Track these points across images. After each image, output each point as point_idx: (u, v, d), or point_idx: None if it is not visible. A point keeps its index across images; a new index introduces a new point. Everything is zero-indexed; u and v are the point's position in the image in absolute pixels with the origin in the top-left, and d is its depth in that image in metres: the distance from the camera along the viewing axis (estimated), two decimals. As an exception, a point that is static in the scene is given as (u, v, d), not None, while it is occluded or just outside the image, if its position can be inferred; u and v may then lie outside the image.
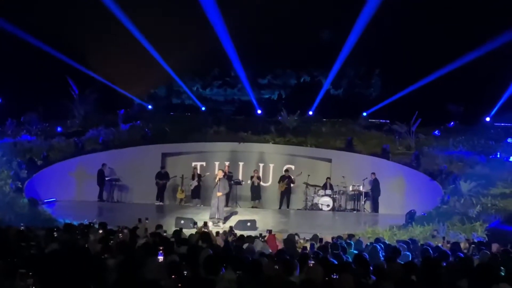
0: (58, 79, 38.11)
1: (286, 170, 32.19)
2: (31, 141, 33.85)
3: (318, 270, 9.87)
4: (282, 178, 31.87)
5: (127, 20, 35.00)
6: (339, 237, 19.07)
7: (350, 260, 12.20)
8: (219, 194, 26.08)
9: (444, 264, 12.32)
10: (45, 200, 28.97)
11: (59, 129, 36.28)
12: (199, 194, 31.78)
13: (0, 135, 34.18)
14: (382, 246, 15.38)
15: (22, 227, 16.89)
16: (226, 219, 26.60)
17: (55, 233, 16.00)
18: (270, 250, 15.84)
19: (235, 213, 28.96)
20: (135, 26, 35.58)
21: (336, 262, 11.25)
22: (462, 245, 17.79)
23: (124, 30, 35.66)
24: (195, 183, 31.69)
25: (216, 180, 26.49)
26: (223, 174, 27.49)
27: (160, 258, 10.51)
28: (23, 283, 8.01)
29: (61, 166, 31.64)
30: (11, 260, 9.13)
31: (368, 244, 16.69)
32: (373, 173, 30.75)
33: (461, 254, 14.13)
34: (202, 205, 30.52)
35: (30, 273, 8.19)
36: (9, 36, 34.33)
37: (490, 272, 9.44)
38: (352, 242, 16.88)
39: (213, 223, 25.02)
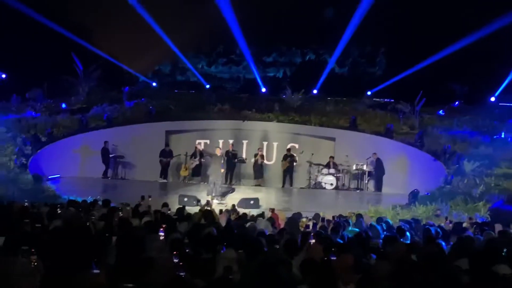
0: (63, 55, 38.05)
1: (289, 149, 32.18)
2: (36, 118, 33.83)
3: (318, 249, 9.92)
4: (284, 157, 31.87)
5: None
6: (341, 216, 19.14)
7: (351, 238, 12.26)
8: (222, 170, 26.46)
9: (445, 244, 12.38)
10: (49, 177, 29.02)
11: (63, 105, 36.26)
12: (200, 172, 31.81)
13: (5, 111, 34.14)
14: (384, 225, 15.46)
15: (26, 203, 16.97)
16: (229, 197, 26.71)
17: (58, 209, 16.09)
18: (272, 229, 15.91)
19: (239, 191, 29.02)
20: (140, 2, 35.47)
21: (339, 242, 11.33)
22: (464, 225, 17.83)
23: (129, 7, 35.60)
24: (196, 161, 31.68)
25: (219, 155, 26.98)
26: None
27: (161, 235, 10.57)
28: (26, 260, 8.07)
29: (65, 142, 31.65)
30: (14, 236, 9.18)
31: (373, 223, 16.74)
32: (375, 153, 30.76)
33: (463, 234, 14.16)
34: (206, 183, 30.44)
35: (33, 250, 8.24)
36: (14, 13, 34.28)
37: (491, 252, 9.48)
38: (350, 221, 16.97)
39: (212, 199, 25.12)
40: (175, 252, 8.88)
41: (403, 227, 14.94)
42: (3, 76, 37.68)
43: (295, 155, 31.90)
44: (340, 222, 15.80)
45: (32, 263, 8.10)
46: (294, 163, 31.91)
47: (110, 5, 42.46)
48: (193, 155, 31.75)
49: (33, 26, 36.29)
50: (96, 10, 44.57)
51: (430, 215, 22.32)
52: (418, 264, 9.29)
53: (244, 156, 32.73)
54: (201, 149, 32.09)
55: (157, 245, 9.78)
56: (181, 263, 8.17)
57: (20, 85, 36.70)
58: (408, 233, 14.18)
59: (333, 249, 9.79)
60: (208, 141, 33.18)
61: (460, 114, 35.03)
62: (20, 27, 38.50)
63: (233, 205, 22.19)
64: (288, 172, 31.81)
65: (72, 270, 7.58)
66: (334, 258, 9.17)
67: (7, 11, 34.61)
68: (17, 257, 8.09)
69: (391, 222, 17.44)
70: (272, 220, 17.45)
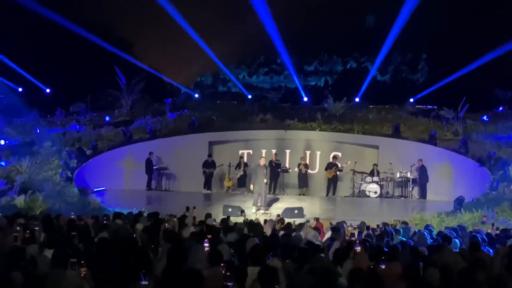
0: (106, 69, 38.50)
1: (334, 157, 32.03)
2: (80, 131, 34.20)
3: (364, 257, 9.89)
4: (329, 165, 31.71)
5: (172, 9, 35.13)
6: (386, 224, 19.04)
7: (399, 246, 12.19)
8: (265, 181, 26.36)
9: (492, 250, 12.27)
10: (94, 189, 29.30)
11: (107, 118, 36.66)
12: (245, 182, 31.73)
13: (50, 125, 34.61)
14: (428, 233, 15.34)
15: (72, 216, 17.16)
16: (273, 207, 26.70)
17: (105, 221, 16.25)
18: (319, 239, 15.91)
19: (282, 200, 29.00)
20: (181, 14, 35.70)
21: (385, 250, 11.28)
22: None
23: (170, 19, 35.88)
24: (241, 172, 31.72)
25: (262, 165, 26.74)
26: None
27: (206, 246, 10.60)
28: (75, 272, 8.15)
29: (109, 155, 31.92)
30: (62, 249, 9.29)
31: (416, 231, 16.65)
32: (420, 160, 30.51)
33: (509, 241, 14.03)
34: (250, 193, 30.36)
35: (82, 262, 8.34)
36: (58, 28, 34.76)
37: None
38: (400, 229, 16.85)
39: (257, 210, 25.17)
40: (219, 263, 8.92)
41: (449, 234, 14.82)
42: (48, 90, 38.23)
43: (339, 165, 31.73)
44: (388, 230, 15.74)
45: (82, 275, 8.20)
46: (339, 172, 31.75)
47: (152, 18, 42.82)
48: (238, 166, 31.82)
49: (77, 41, 36.79)
50: (138, 24, 44.99)
51: (476, 222, 22.09)
52: (465, 271, 9.21)
53: (287, 165, 32.68)
54: (245, 160, 32.15)
55: (201, 256, 9.82)
56: (228, 274, 8.20)
57: (64, 99, 37.24)
58: (457, 241, 14.07)
59: (383, 257, 9.73)
60: (251, 151, 33.19)
61: (504, 119, 34.50)
62: (63, 42, 39.02)
63: (278, 215, 22.16)
64: (333, 181, 31.64)
65: (121, 282, 7.66)
66: (384, 266, 9.13)
67: (50, 27, 35.12)
68: (67, 270, 8.19)
69: (433, 230, 17.32)
70: (319, 229, 17.43)
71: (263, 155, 31.03)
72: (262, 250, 9.84)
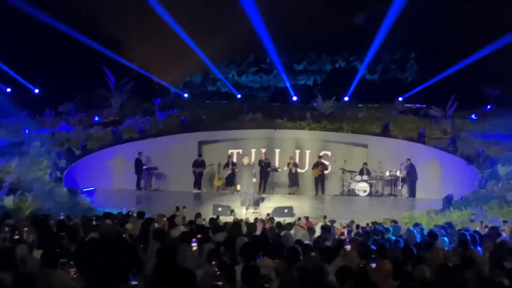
0: (95, 69, 38.37)
1: (320, 156, 32.10)
2: (69, 131, 34.14)
3: (354, 256, 9.92)
4: (316, 164, 31.80)
5: (161, 9, 35.15)
6: (375, 223, 19.09)
7: (388, 245, 12.23)
8: (254, 180, 26.41)
9: (481, 248, 12.33)
10: (84, 189, 29.19)
11: (96, 118, 36.56)
12: (233, 182, 31.75)
13: (39, 125, 34.47)
14: (418, 231, 15.39)
15: (62, 217, 17.12)
16: (263, 206, 26.72)
17: (94, 222, 16.23)
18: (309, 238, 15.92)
19: (272, 200, 29.01)
20: (170, 14, 35.70)
21: (375, 248, 11.31)
22: (501, 229, 17.64)
23: (159, 19, 35.87)
24: (229, 171, 31.73)
25: (246, 164, 26.84)
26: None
27: (194, 245, 10.63)
28: (64, 272, 8.16)
29: (99, 155, 31.85)
30: (52, 249, 9.28)
31: (410, 228, 16.71)
32: (408, 159, 30.57)
33: (498, 239, 14.09)
34: (239, 192, 30.33)
35: (71, 262, 8.34)
36: (46, 28, 34.69)
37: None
38: (390, 228, 16.88)
39: (246, 209, 25.20)
40: (211, 262, 8.93)
41: (438, 232, 14.87)
42: (36, 91, 38.13)
43: (326, 163, 31.84)
44: (377, 229, 15.78)
45: (72, 275, 8.20)
46: (325, 171, 31.84)
47: (141, 17, 42.77)
48: (226, 165, 31.82)
49: (65, 41, 36.73)
50: (126, 24, 44.91)
51: (465, 220, 22.14)
52: (455, 268, 9.26)
53: (276, 164, 32.71)
54: (233, 159, 32.14)
55: (190, 255, 9.84)
56: (218, 273, 8.22)
57: (53, 99, 37.13)
58: (446, 239, 14.11)
59: (373, 255, 9.77)
60: (240, 151, 33.10)
61: (492, 118, 34.58)
62: (51, 42, 38.95)
63: (268, 214, 22.15)
64: (320, 179, 31.73)
65: (111, 282, 7.67)
66: (375, 264, 9.17)
67: (39, 27, 35.04)
68: (56, 270, 8.19)
69: (423, 228, 17.38)
70: (310, 228, 17.45)
71: (253, 155, 31.12)
72: (252, 249, 9.85)
